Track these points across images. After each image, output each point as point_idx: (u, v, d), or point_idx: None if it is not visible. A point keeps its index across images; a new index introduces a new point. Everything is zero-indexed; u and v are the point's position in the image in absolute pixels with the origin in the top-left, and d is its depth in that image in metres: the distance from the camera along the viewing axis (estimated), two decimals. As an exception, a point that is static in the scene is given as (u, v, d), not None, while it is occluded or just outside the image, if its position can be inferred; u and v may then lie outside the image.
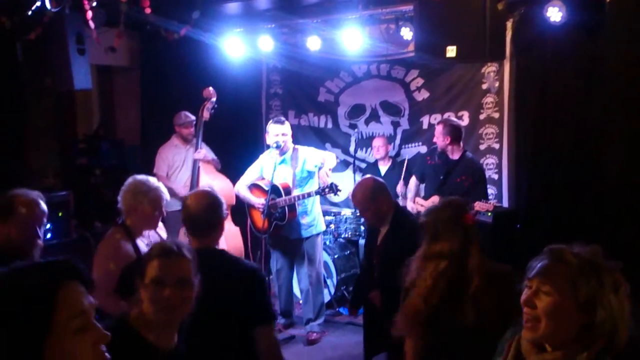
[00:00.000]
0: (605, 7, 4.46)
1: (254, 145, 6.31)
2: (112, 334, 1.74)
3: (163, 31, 5.58)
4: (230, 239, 5.10)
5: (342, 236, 5.92)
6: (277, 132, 4.85)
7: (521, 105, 5.42)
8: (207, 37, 5.74)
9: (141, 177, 3.17)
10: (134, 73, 6.95)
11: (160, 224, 3.28)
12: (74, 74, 5.19)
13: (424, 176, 5.25)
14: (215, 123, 5.50)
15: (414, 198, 5.28)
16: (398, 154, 6.23)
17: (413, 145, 6.19)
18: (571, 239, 1.71)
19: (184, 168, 5.51)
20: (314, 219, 5.07)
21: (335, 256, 5.74)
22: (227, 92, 5.75)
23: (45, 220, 2.77)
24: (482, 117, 5.71)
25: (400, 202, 5.31)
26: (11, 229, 2.66)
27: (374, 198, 3.54)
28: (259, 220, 4.89)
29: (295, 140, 5.16)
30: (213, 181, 5.18)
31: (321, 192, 4.76)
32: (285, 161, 4.94)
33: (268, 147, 5.00)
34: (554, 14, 4.57)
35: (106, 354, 1.25)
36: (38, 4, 4.38)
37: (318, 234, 5.13)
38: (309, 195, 4.81)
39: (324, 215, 5.35)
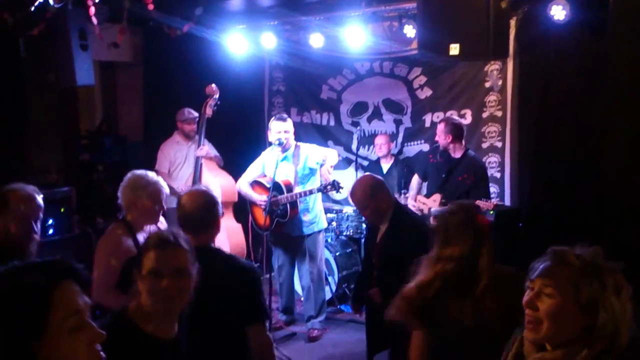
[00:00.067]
0: (609, 6, 4.44)
1: (256, 142, 6.31)
2: (111, 328, 1.74)
3: (166, 27, 5.59)
4: (233, 236, 5.11)
5: (344, 234, 5.92)
6: (280, 129, 4.85)
7: (524, 104, 5.41)
8: (209, 33, 5.74)
9: (140, 171, 3.18)
10: (136, 69, 6.95)
11: (162, 219, 3.28)
12: (76, 69, 5.18)
13: (427, 174, 5.25)
14: (218, 120, 5.50)
15: (415, 196, 5.27)
16: (400, 152, 6.23)
17: (415, 143, 6.18)
18: (573, 237, 1.71)
19: (185, 165, 5.51)
20: (315, 216, 5.07)
21: (337, 253, 5.74)
22: (229, 89, 5.75)
23: (41, 214, 2.76)
24: (484, 115, 5.70)
25: (402, 200, 5.30)
26: (7, 224, 2.65)
27: (374, 196, 3.52)
28: (261, 217, 4.89)
29: (298, 138, 5.16)
30: (215, 178, 5.19)
31: (323, 189, 4.77)
32: (287, 158, 4.94)
33: (270, 144, 5.01)
34: (558, 12, 4.55)
35: (101, 353, 1.24)
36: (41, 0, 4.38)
37: (320, 231, 5.14)
38: (311, 192, 4.82)
39: (325, 213, 5.35)
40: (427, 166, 5.25)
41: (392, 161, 5.98)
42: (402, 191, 5.48)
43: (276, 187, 4.78)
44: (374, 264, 3.66)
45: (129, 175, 3.15)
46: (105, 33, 5.17)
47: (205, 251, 2.47)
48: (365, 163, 6.32)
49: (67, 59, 5.18)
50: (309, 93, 6.67)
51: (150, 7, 4.62)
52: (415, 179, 5.36)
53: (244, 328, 2.43)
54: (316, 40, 5.71)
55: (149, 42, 6.68)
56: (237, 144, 6.35)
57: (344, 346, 4.96)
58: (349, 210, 5.93)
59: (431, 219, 4.91)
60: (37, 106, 5.93)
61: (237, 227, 5.25)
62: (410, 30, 5.27)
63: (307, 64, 6.35)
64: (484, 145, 5.70)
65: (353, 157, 6.25)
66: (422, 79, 6.04)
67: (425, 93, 6.06)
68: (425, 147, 6.02)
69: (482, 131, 5.71)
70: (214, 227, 2.64)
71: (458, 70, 5.80)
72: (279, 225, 4.93)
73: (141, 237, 3.10)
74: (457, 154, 4.98)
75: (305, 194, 4.82)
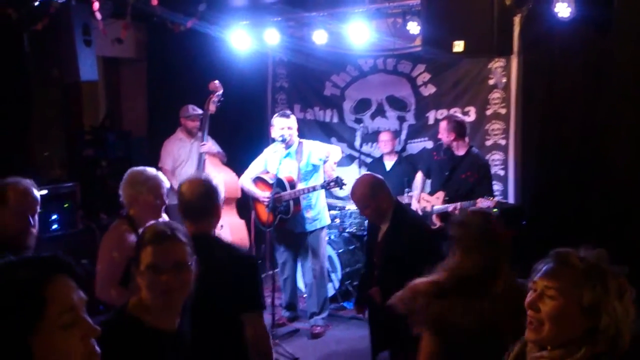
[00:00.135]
0: (613, 3, 4.42)
1: (259, 139, 6.31)
2: (113, 323, 1.74)
3: (170, 23, 5.58)
4: (236, 232, 5.12)
5: (347, 230, 5.92)
6: (283, 125, 4.84)
7: (528, 101, 5.40)
8: (213, 29, 5.74)
9: (138, 168, 3.19)
10: (140, 65, 6.96)
11: (164, 216, 3.29)
12: (80, 65, 5.19)
13: (430, 171, 5.24)
14: (221, 116, 5.50)
15: (419, 196, 5.25)
16: (404, 149, 6.22)
17: (419, 140, 6.17)
18: (577, 235, 1.71)
19: (189, 161, 5.50)
20: (318, 212, 5.07)
21: (340, 250, 5.74)
22: (232, 85, 5.74)
23: (38, 208, 2.76)
24: (488, 112, 5.68)
25: (406, 199, 5.29)
26: (4, 218, 2.65)
27: (374, 195, 3.50)
28: (264, 213, 4.89)
29: (301, 134, 5.15)
30: (218, 174, 5.17)
31: (326, 185, 4.77)
32: (290, 155, 4.94)
33: (273, 140, 5.01)
34: (563, 10, 4.53)
35: (96, 348, 1.23)
36: (45, -5, 4.39)
37: (322, 228, 5.14)
38: (314, 189, 4.82)
39: (328, 210, 5.35)
40: (430, 163, 5.24)
41: (395, 158, 5.97)
42: (406, 190, 5.47)
43: (279, 184, 4.78)
44: (375, 264, 3.65)
45: (127, 172, 3.17)
46: (109, 28, 5.17)
47: (204, 239, 2.47)
48: (369, 160, 6.31)
49: (71, 54, 5.19)
50: (312, 90, 6.66)
51: (154, 2, 4.63)
52: (419, 176, 5.35)
53: (239, 316, 2.43)
54: (319, 37, 5.70)
55: (152, 38, 6.68)
56: (240, 141, 6.34)
57: (346, 343, 4.97)
58: (352, 207, 5.91)
59: (433, 217, 4.95)
60: (41, 101, 5.93)
61: (241, 223, 5.26)
62: (414, 27, 5.25)
63: (311, 61, 6.33)
64: (488, 143, 5.68)
65: (356, 154, 6.24)
66: (426, 76, 6.03)
67: (429, 90, 6.04)
68: (429, 144, 6.01)
69: (485, 129, 5.69)
70: (214, 214, 2.64)
71: (462, 68, 5.78)
72: (281, 222, 4.93)
73: (145, 233, 3.11)
74: (461, 152, 4.97)
75: (308, 190, 4.82)
